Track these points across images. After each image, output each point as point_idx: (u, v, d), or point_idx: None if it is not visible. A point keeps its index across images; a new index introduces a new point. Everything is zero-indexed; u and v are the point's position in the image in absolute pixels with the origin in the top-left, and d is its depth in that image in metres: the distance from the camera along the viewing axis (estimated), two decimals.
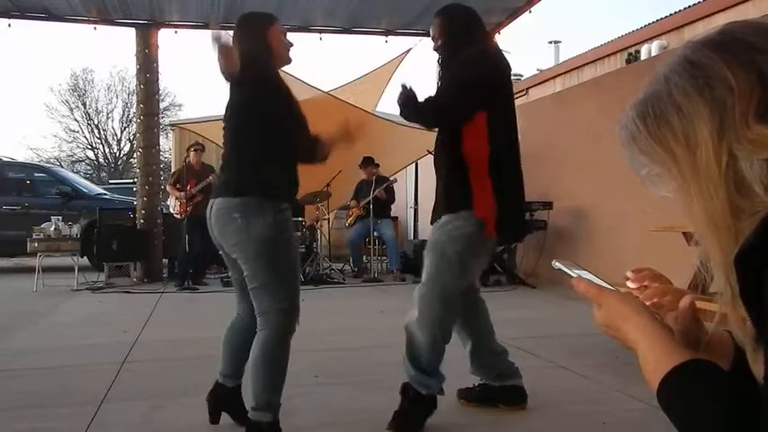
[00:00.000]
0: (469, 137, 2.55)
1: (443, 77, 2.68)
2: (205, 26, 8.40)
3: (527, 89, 15.05)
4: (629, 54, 12.01)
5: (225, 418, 2.58)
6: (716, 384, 0.67)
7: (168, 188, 7.97)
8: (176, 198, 7.62)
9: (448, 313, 2.56)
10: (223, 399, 2.55)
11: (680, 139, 0.68)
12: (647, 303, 0.84)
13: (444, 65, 2.72)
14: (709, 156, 0.65)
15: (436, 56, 2.78)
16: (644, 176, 0.74)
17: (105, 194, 10.70)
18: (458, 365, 2.83)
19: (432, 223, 2.75)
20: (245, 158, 2.36)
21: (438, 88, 2.65)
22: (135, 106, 8.74)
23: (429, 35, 2.83)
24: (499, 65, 2.68)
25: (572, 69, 13.65)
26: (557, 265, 0.90)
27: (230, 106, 2.43)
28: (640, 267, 0.88)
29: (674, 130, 0.68)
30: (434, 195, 2.77)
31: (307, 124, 2.49)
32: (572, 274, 0.86)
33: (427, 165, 9.39)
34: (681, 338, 0.77)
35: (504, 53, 2.75)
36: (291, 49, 2.53)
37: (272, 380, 2.29)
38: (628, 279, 0.88)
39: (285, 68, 2.64)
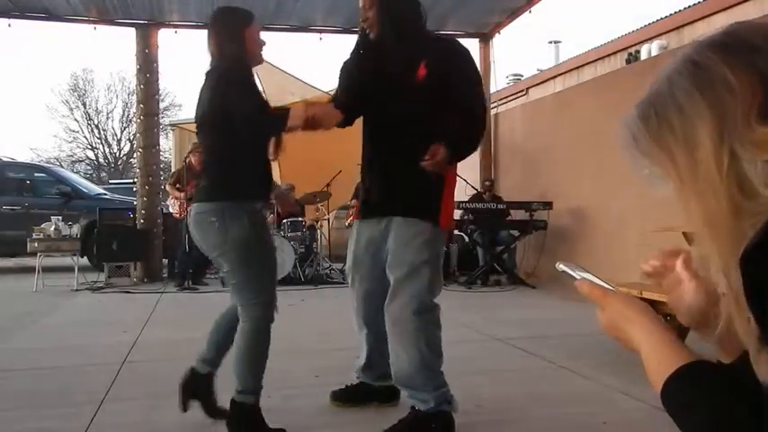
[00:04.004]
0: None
1: (396, 62, 2.45)
2: (205, 26, 8.41)
3: (527, 89, 15.04)
4: (629, 54, 12.01)
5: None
6: (719, 386, 0.67)
7: (168, 188, 7.98)
8: (176, 198, 7.63)
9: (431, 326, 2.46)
10: (195, 385, 2.59)
11: (680, 139, 0.68)
12: (650, 265, 0.84)
13: (382, 45, 2.48)
14: (709, 157, 0.65)
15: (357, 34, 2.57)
16: (645, 177, 0.74)
17: (105, 194, 10.70)
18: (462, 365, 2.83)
19: (364, 216, 2.61)
20: (218, 163, 2.46)
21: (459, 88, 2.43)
22: (135, 106, 8.74)
23: None
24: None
25: (572, 69, 13.64)
26: (561, 267, 0.91)
27: (200, 110, 2.46)
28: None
29: (675, 130, 0.68)
30: (370, 185, 2.61)
31: (267, 104, 2.47)
32: (576, 277, 0.86)
33: None
34: (694, 309, 0.78)
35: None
36: (264, 47, 2.54)
37: (255, 366, 2.41)
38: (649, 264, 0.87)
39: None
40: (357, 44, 2.62)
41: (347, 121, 2.60)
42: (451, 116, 2.42)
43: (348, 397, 2.82)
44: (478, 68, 2.60)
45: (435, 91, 2.43)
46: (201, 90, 2.48)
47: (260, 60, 2.53)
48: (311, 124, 2.31)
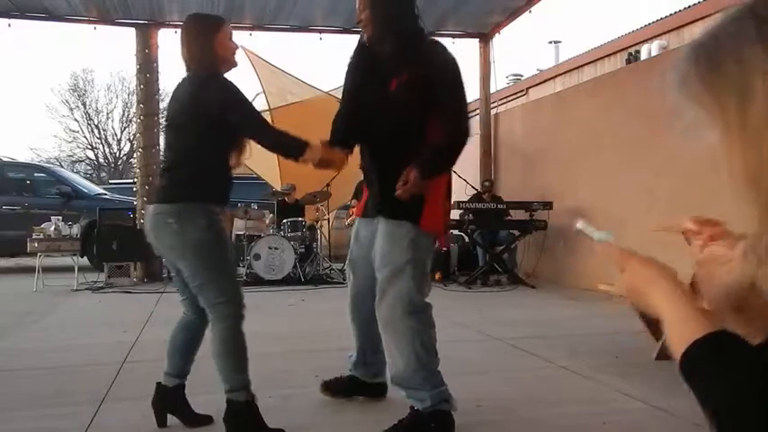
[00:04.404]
0: (433, 134, 2.45)
1: (384, 69, 2.48)
2: None
3: (527, 89, 15.05)
4: (629, 54, 12.02)
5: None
6: (741, 358, 0.66)
7: None
8: None
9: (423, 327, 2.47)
10: (166, 400, 2.58)
11: (733, 88, 0.65)
12: (693, 227, 0.83)
13: (376, 50, 2.52)
14: (761, 112, 0.62)
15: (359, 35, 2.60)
16: (688, 121, 0.70)
17: (105, 194, 10.70)
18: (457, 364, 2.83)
19: (362, 215, 2.68)
20: (183, 164, 2.47)
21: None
22: (135, 106, 8.74)
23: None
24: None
25: (572, 69, 13.65)
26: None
27: (174, 111, 2.51)
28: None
29: (729, 79, 0.65)
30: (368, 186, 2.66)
31: (261, 119, 2.58)
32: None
33: None
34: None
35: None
36: (237, 51, 2.58)
37: (237, 362, 2.42)
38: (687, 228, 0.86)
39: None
40: (358, 42, 2.65)
41: (352, 150, 2.67)
42: (433, 128, 2.45)
43: (337, 388, 2.86)
44: (461, 75, 2.50)
45: (411, 101, 2.44)
46: (177, 91, 2.51)
47: (232, 65, 2.56)
48: (324, 164, 2.46)
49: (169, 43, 8.11)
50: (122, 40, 23.01)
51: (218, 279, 2.41)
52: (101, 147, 30.22)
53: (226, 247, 2.52)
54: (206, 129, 2.40)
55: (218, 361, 2.42)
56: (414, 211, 2.45)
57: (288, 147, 2.50)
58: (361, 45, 2.62)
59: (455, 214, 7.81)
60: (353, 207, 8.82)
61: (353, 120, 2.65)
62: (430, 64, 2.45)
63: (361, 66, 2.62)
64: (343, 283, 7.75)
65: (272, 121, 9.08)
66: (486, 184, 8.42)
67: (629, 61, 11.67)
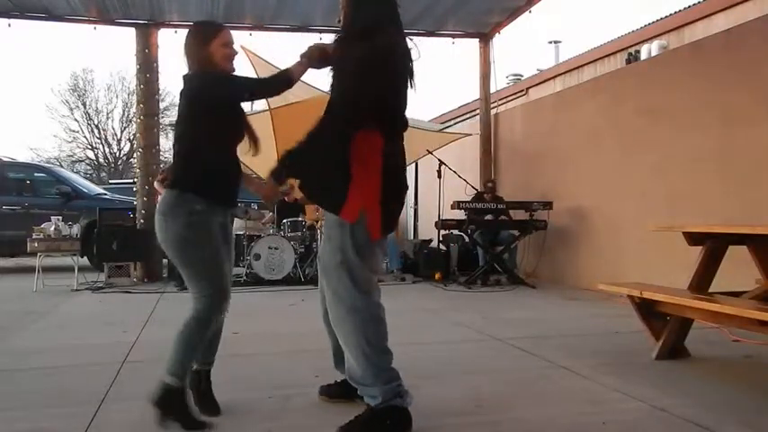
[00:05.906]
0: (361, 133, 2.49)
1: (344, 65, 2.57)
2: None
3: (527, 89, 15.05)
4: (629, 54, 12.02)
5: (225, 417, 2.59)
6: None
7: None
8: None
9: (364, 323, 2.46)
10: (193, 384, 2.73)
11: None
12: None
13: (341, 39, 2.60)
14: None
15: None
16: None
17: (105, 194, 10.71)
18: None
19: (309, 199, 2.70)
20: (177, 153, 2.62)
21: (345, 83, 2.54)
22: (135, 106, 8.75)
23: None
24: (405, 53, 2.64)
25: (572, 69, 13.65)
26: None
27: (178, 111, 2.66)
28: None
29: None
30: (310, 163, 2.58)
31: (251, 79, 2.74)
32: None
33: (427, 164, 9.39)
34: None
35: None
36: (236, 57, 2.67)
37: (186, 353, 2.54)
38: None
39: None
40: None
41: None
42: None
43: (335, 392, 2.86)
44: (369, 65, 2.51)
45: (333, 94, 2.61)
46: (181, 90, 2.63)
47: (229, 70, 2.64)
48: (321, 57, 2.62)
49: (169, 43, 8.13)
50: (122, 40, 23.06)
51: (195, 277, 2.52)
52: (101, 147, 30.25)
53: (204, 247, 2.52)
54: (199, 117, 2.54)
55: (174, 344, 2.54)
56: (338, 200, 2.43)
57: (281, 81, 2.72)
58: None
59: (455, 214, 7.83)
60: None
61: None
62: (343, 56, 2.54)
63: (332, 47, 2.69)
64: None
65: (272, 121, 9.09)
66: (490, 185, 8.40)
67: (629, 61, 11.68)
